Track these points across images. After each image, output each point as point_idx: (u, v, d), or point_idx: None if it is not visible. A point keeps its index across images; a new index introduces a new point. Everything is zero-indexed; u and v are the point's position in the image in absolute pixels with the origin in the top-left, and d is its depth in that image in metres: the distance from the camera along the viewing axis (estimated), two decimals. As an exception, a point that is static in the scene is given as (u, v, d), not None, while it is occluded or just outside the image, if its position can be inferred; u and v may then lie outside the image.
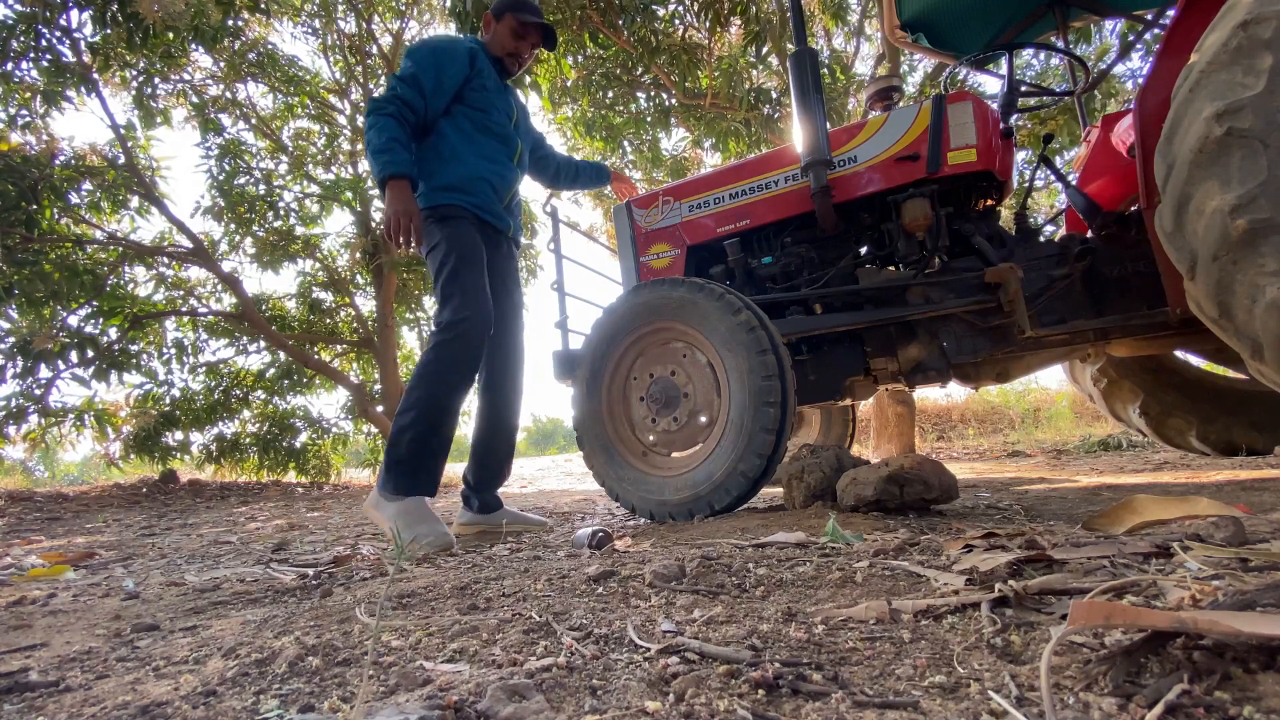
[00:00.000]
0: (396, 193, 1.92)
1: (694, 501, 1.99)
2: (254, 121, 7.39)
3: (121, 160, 6.14)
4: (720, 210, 2.56)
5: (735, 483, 1.94)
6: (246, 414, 7.63)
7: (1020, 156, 7.13)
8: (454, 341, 1.93)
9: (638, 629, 0.73)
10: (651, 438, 2.20)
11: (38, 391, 5.84)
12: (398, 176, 1.92)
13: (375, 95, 2.12)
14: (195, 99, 6.91)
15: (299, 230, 7.47)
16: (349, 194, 7.32)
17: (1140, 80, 2.56)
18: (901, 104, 2.56)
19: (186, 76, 6.89)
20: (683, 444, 2.17)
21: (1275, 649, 0.48)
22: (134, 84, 6.09)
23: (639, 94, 7.07)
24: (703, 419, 2.12)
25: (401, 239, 1.91)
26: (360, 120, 7.60)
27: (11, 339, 5.60)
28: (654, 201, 2.68)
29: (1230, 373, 2.85)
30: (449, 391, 1.92)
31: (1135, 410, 2.91)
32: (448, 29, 8.83)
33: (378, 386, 7.83)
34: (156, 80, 6.21)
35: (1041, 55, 7.56)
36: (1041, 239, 2.42)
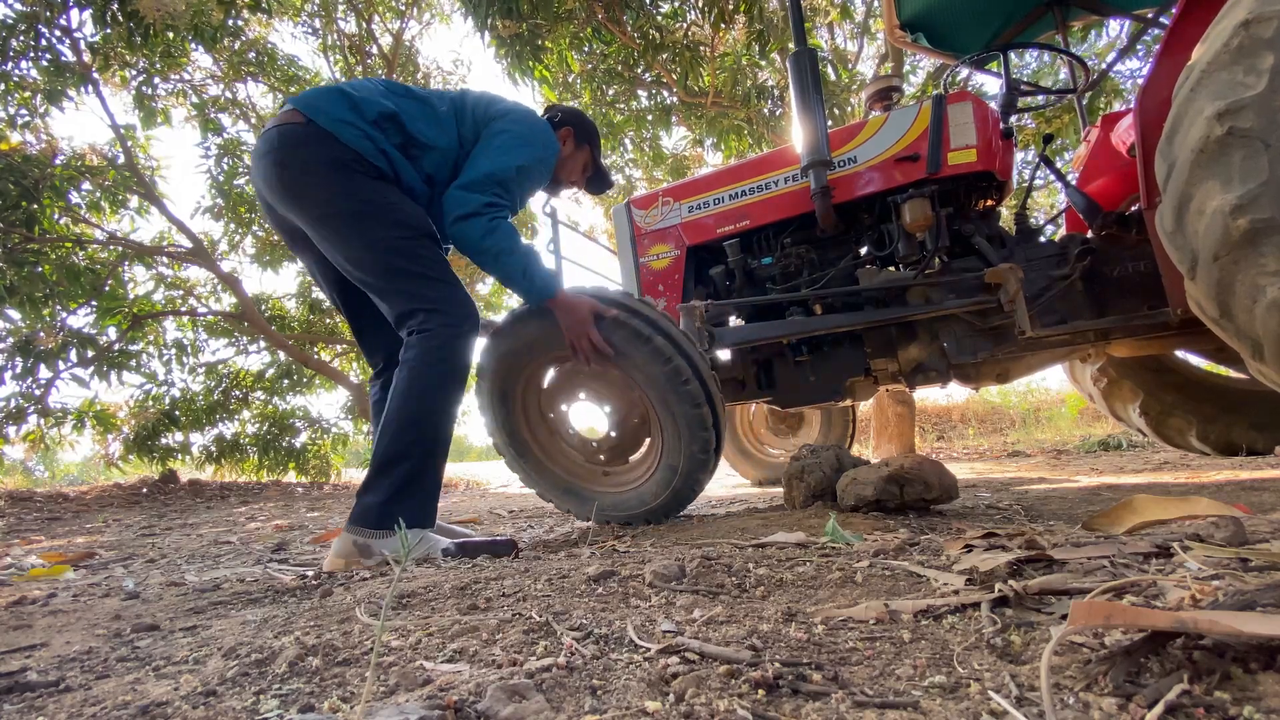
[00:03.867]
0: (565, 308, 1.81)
1: (647, 514, 1.98)
2: (254, 121, 7.39)
3: (121, 160, 6.14)
4: (720, 211, 2.56)
5: (684, 496, 1.94)
6: (246, 414, 7.63)
7: (1020, 156, 7.13)
8: None
9: (638, 629, 0.73)
10: (585, 457, 2.14)
11: (37, 392, 5.84)
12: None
13: (479, 197, 1.74)
14: (195, 99, 6.91)
15: (299, 230, 7.46)
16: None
17: (1140, 80, 2.57)
18: (901, 104, 2.56)
19: (186, 76, 6.89)
20: (624, 455, 2.11)
21: (1275, 649, 0.48)
22: (134, 84, 6.09)
23: (640, 91, 7.07)
24: (641, 436, 2.06)
25: (593, 357, 1.83)
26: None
27: (11, 339, 5.61)
28: (654, 202, 2.68)
29: (1230, 373, 2.85)
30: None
31: (1135, 410, 2.91)
32: (449, 28, 8.83)
33: (378, 386, 7.83)
34: (156, 80, 6.22)
35: (1035, 55, 7.56)
36: (1042, 239, 2.43)
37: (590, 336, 1.82)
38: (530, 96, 6.61)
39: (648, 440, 2.08)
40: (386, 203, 1.68)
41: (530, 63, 5.62)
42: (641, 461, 2.12)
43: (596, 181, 2.20)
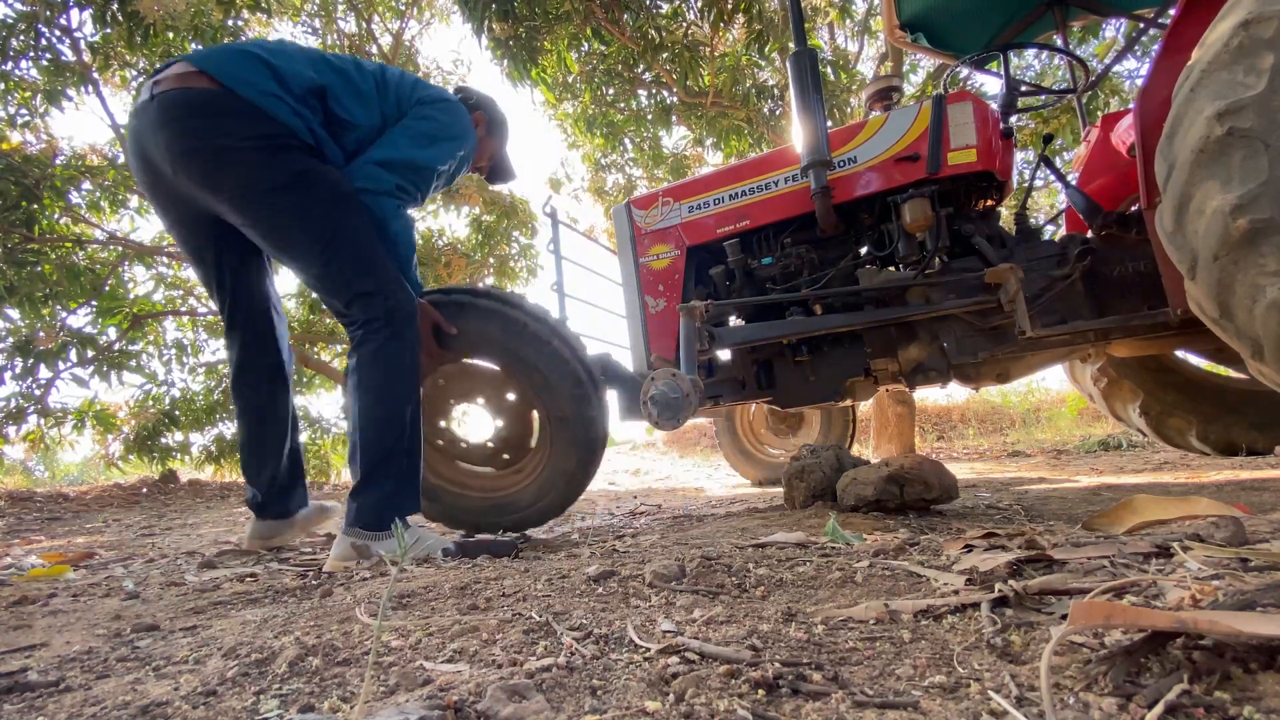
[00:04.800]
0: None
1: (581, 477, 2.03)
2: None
3: (121, 160, 6.14)
4: (720, 211, 2.55)
5: (596, 446, 2.01)
6: (247, 414, 7.62)
7: (1020, 156, 7.12)
8: None
9: (638, 629, 0.73)
10: (497, 466, 2.17)
11: (37, 392, 5.84)
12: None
13: (397, 183, 1.71)
14: (195, 99, 6.89)
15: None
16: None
17: (1140, 80, 2.57)
18: (901, 104, 2.56)
19: (186, 76, 6.87)
20: (524, 443, 2.16)
21: (1275, 649, 0.48)
22: (134, 83, 6.09)
23: (640, 91, 7.07)
24: (523, 414, 2.12)
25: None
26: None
27: (11, 339, 5.60)
28: (654, 202, 2.68)
29: (1230, 373, 2.85)
30: None
31: (1135, 410, 2.91)
32: (449, 28, 8.81)
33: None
34: (156, 80, 6.21)
35: (1042, 55, 7.56)
36: (1042, 239, 2.42)
37: (428, 348, 1.83)
38: (529, 98, 6.58)
39: (533, 414, 2.13)
40: (320, 175, 1.60)
41: (527, 65, 5.63)
42: (542, 439, 2.14)
43: (497, 173, 2.21)
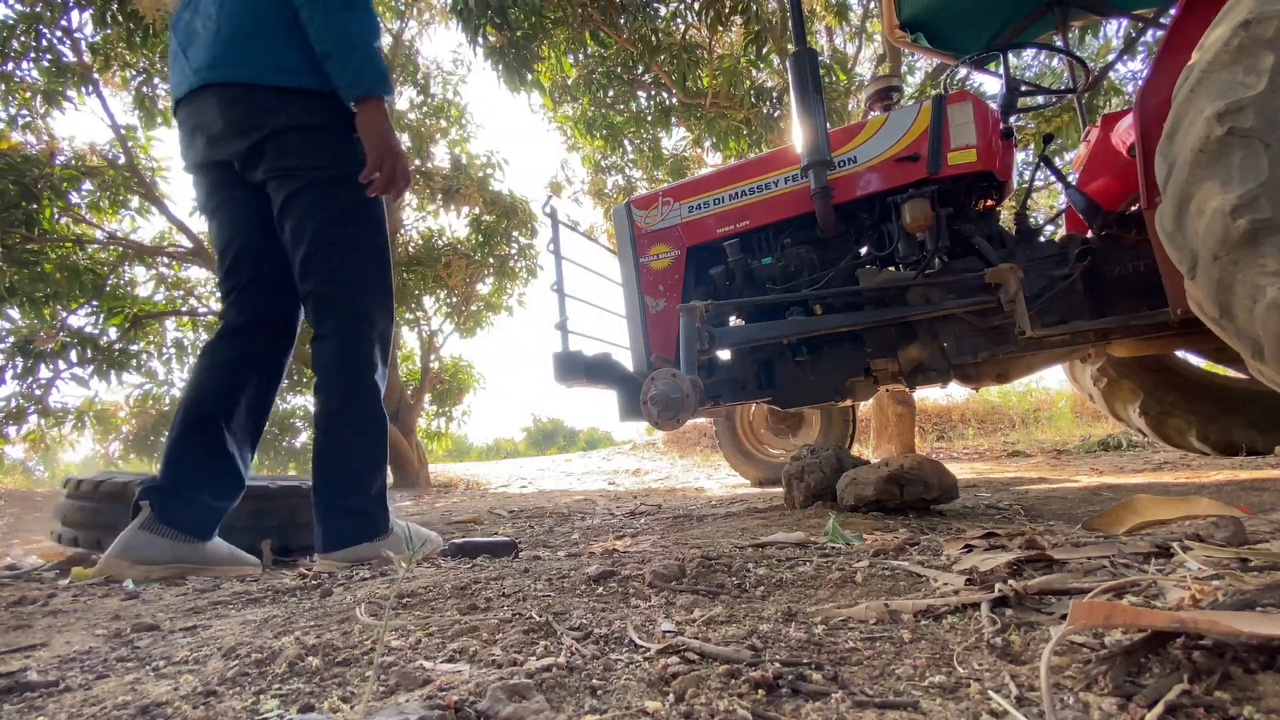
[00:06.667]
0: (384, 119, 1.50)
1: None
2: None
3: (121, 160, 6.14)
4: (720, 211, 2.55)
5: None
6: (246, 414, 7.62)
7: (1020, 156, 7.12)
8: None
9: (638, 629, 0.73)
10: None
11: (38, 391, 5.85)
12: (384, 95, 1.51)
13: None
14: (195, 99, 6.90)
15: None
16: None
17: (1140, 80, 2.57)
18: (901, 104, 2.56)
19: (187, 76, 6.88)
20: None
21: (1275, 649, 0.48)
22: (134, 84, 6.09)
23: (639, 93, 7.07)
24: None
25: (397, 189, 1.56)
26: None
27: (11, 339, 5.61)
28: (654, 202, 2.68)
29: (1230, 373, 2.85)
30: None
31: (1135, 410, 2.91)
32: (449, 29, 8.83)
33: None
34: (156, 80, 6.22)
35: (1041, 55, 7.56)
36: (1042, 239, 2.43)
37: (400, 162, 1.52)
38: (526, 102, 6.60)
39: None
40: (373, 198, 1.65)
41: (523, 72, 5.64)
42: None
43: None
